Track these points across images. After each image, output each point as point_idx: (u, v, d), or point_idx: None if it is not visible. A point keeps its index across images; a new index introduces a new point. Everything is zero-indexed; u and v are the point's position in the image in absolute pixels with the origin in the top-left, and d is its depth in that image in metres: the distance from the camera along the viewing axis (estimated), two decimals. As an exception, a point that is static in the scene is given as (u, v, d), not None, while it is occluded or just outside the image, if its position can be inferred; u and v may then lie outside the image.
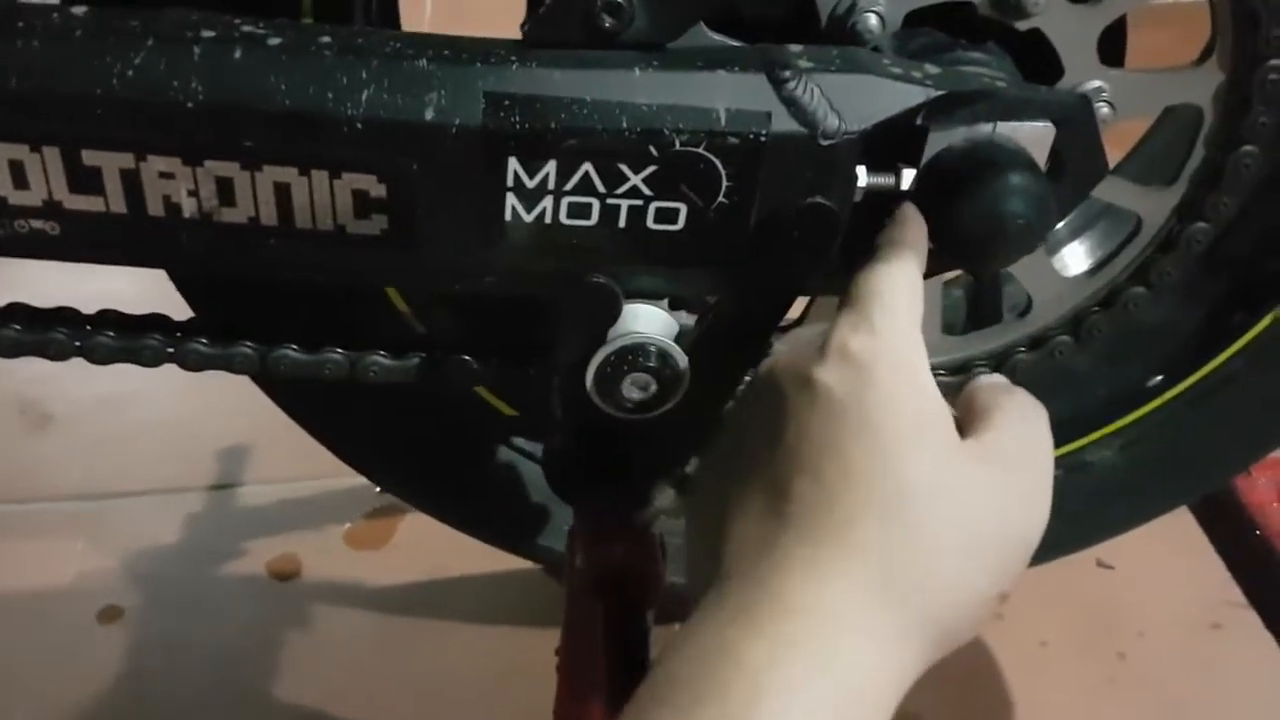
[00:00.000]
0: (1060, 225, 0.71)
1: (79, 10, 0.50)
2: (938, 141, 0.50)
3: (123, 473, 1.27)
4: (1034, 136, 0.51)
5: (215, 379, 0.62)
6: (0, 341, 0.57)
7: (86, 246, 0.52)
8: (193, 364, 0.59)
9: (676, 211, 0.51)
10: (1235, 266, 0.72)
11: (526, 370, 0.60)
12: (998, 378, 0.54)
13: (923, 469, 0.45)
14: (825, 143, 0.49)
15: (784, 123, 0.49)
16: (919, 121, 0.50)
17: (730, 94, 0.49)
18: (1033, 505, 0.47)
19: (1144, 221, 0.69)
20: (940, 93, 0.50)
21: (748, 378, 0.53)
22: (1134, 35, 0.63)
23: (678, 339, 0.55)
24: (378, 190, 0.50)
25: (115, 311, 0.60)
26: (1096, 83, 0.60)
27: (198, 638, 1.10)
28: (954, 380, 0.67)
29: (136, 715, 1.05)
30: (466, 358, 0.60)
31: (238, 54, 0.49)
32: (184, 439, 1.30)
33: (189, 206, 0.50)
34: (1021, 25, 0.58)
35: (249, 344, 0.59)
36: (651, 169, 0.50)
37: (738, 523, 0.47)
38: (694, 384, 0.55)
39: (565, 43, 0.50)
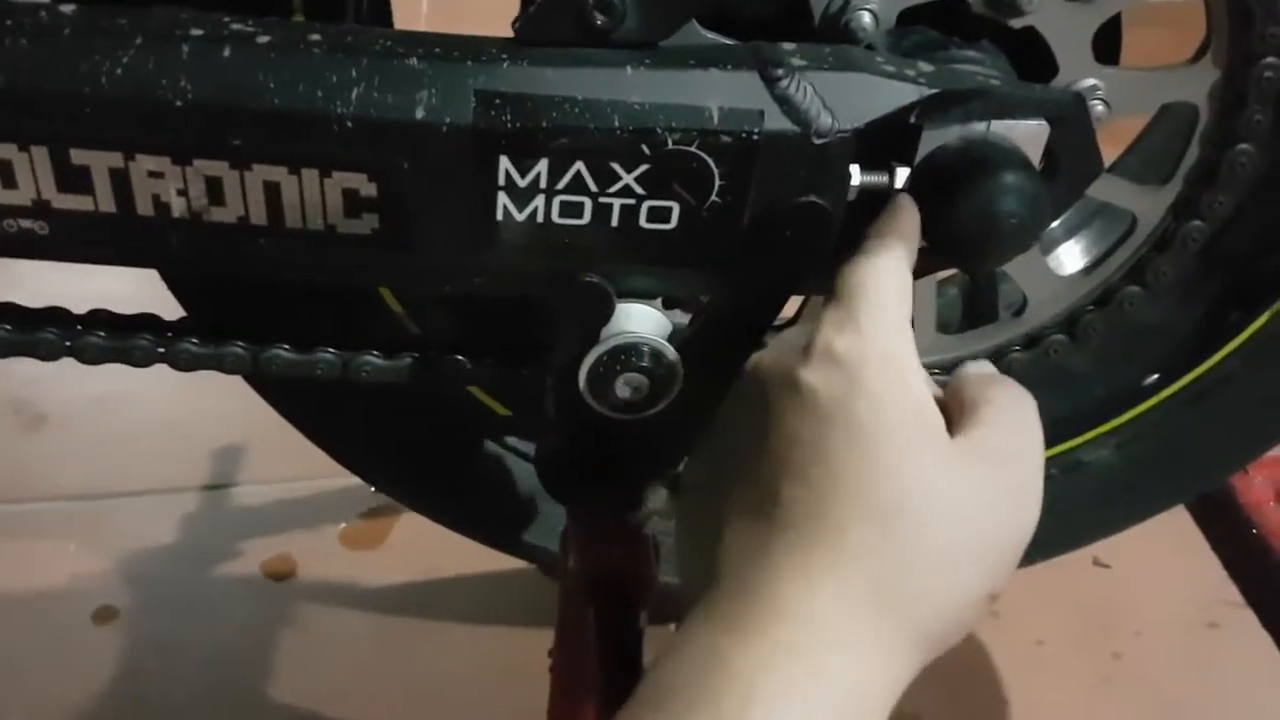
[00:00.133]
0: (1055, 224, 0.71)
1: (67, 8, 0.49)
2: (932, 140, 0.50)
3: (117, 473, 1.27)
4: (1028, 135, 0.51)
5: (210, 379, 0.62)
6: (-10, 342, 0.57)
7: (76, 246, 0.52)
8: (184, 364, 0.59)
9: (669, 210, 0.51)
10: (1231, 265, 0.72)
11: (519, 370, 0.60)
12: (985, 366, 0.54)
13: (912, 475, 0.44)
14: (818, 141, 0.49)
15: (777, 121, 0.49)
16: (913, 120, 0.49)
17: (723, 92, 0.49)
18: (1023, 503, 0.47)
19: (1139, 220, 0.69)
20: (934, 91, 0.49)
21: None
22: (1129, 33, 0.62)
23: (671, 338, 0.55)
24: (368, 189, 0.50)
25: (106, 311, 0.59)
26: (1091, 81, 0.59)
27: (193, 638, 1.11)
28: (948, 380, 0.67)
29: (132, 716, 1.05)
30: (459, 357, 0.60)
31: (227, 52, 0.48)
32: (179, 439, 1.30)
33: (178, 206, 0.50)
34: (1016, 23, 0.57)
35: (240, 344, 0.59)
36: (644, 168, 0.49)
37: (728, 526, 0.47)
38: (687, 384, 0.55)
39: (557, 41, 0.50)
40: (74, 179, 0.49)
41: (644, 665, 0.65)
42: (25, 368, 0.61)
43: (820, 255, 0.51)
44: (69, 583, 1.15)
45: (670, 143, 0.49)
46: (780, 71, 0.49)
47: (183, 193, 0.50)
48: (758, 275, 0.53)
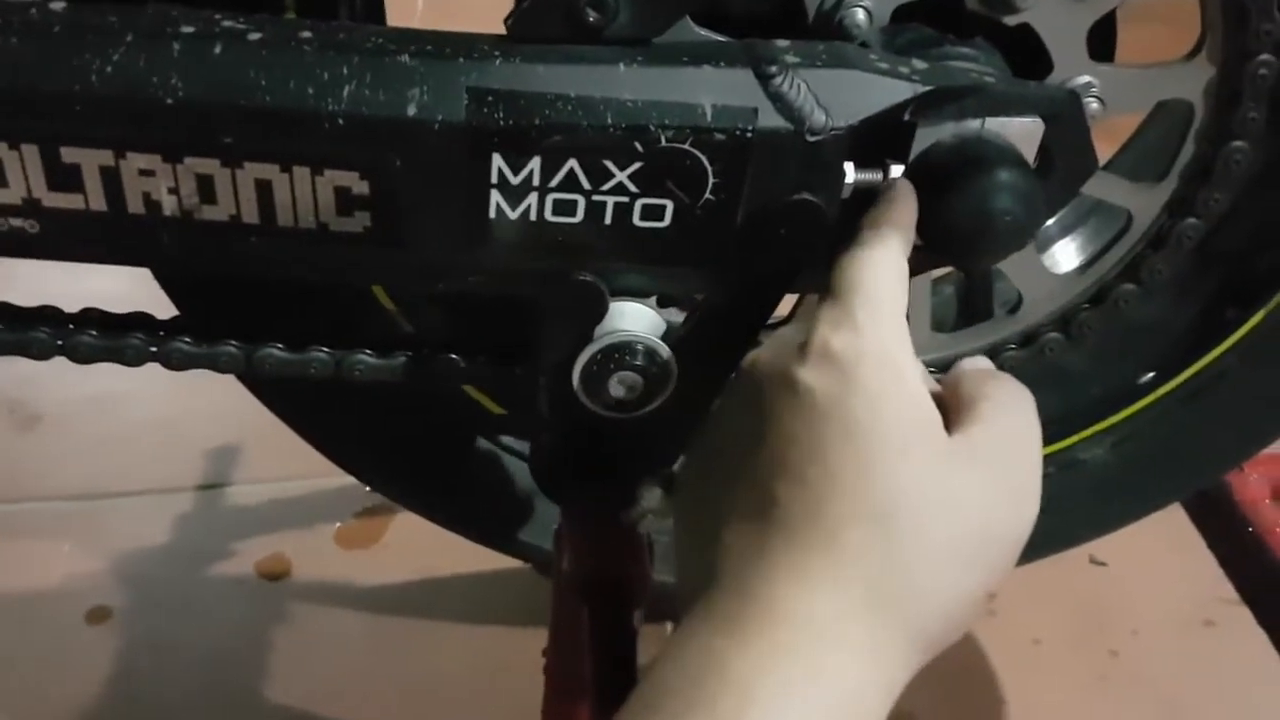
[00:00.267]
0: (1050, 222, 0.71)
1: (57, 6, 0.49)
2: (926, 137, 0.50)
3: (112, 473, 1.26)
4: (1023, 132, 0.50)
5: (204, 378, 0.62)
6: (-18, 341, 0.57)
7: (66, 245, 0.52)
8: (176, 363, 0.58)
9: (663, 208, 0.51)
10: (1226, 262, 0.72)
11: (513, 368, 0.60)
12: (983, 362, 0.54)
13: (909, 473, 0.44)
14: (812, 139, 0.49)
15: (770, 118, 0.49)
16: (907, 117, 0.49)
17: (716, 89, 0.49)
18: (1021, 501, 0.47)
19: (1134, 218, 0.69)
20: (928, 88, 0.49)
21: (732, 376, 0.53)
22: (1124, 30, 0.62)
23: (665, 337, 0.54)
24: (360, 187, 0.50)
25: (98, 310, 0.59)
26: (1086, 78, 0.59)
27: (187, 638, 1.10)
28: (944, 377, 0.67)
29: (126, 716, 1.04)
30: (453, 356, 0.60)
31: (218, 49, 0.48)
32: (173, 439, 1.30)
33: (169, 204, 0.50)
34: (1010, 20, 0.57)
35: (233, 343, 0.59)
36: (637, 165, 0.49)
37: (724, 526, 0.46)
38: (682, 382, 0.55)
39: (549, 38, 0.49)
40: (65, 177, 0.49)
41: (638, 665, 0.65)
42: (20, 367, 0.61)
43: (815, 253, 0.51)
44: (63, 582, 1.15)
45: (663, 140, 0.49)
46: (774, 69, 0.49)
47: (174, 191, 0.49)
48: (752, 273, 0.53)
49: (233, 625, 1.12)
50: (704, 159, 0.49)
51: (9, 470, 1.27)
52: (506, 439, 0.79)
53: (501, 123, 0.48)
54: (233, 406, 0.81)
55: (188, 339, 0.58)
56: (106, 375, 0.61)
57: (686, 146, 0.49)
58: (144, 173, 0.49)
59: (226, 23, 0.49)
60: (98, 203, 0.50)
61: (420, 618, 1.13)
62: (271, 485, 1.25)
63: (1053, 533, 0.77)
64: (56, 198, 0.50)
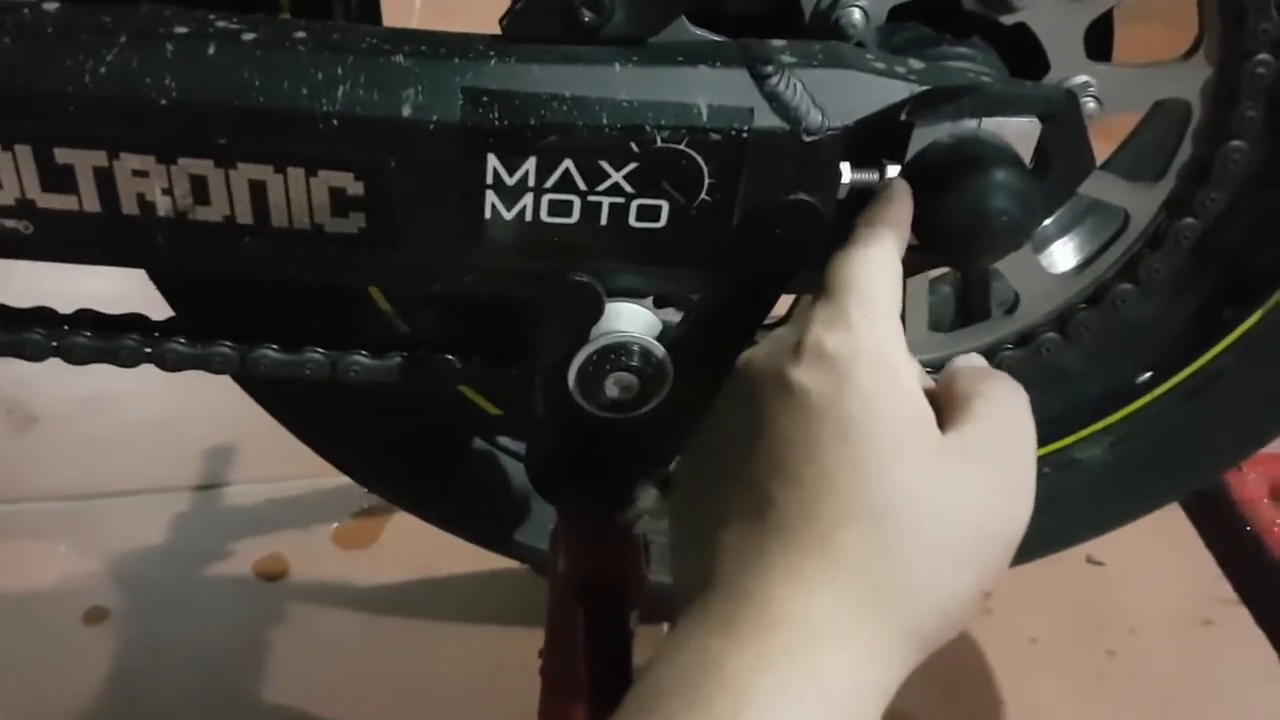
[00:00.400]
0: (1047, 221, 0.71)
1: (51, 6, 0.49)
2: (922, 137, 0.50)
3: (108, 473, 1.26)
4: (1020, 132, 0.50)
5: (201, 379, 0.62)
6: (-24, 342, 0.57)
7: (60, 246, 0.52)
8: (171, 364, 0.58)
9: (658, 209, 0.50)
10: (1223, 262, 0.72)
11: (509, 369, 0.60)
12: (976, 359, 0.54)
13: (904, 473, 0.44)
14: (808, 139, 0.49)
15: (766, 118, 0.49)
16: (903, 117, 0.49)
17: (712, 89, 0.49)
18: (1016, 500, 0.47)
19: (1132, 217, 0.69)
20: (925, 88, 0.49)
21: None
22: (1121, 29, 0.62)
23: (660, 337, 0.54)
24: (355, 188, 0.50)
25: (93, 311, 0.59)
26: (1083, 78, 0.59)
27: (184, 639, 1.10)
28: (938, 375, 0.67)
29: (123, 716, 1.04)
30: (449, 356, 0.60)
31: (211, 50, 0.48)
32: (170, 439, 1.30)
33: (163, 205, 0.50)
34: (1007, 19, 0.57)
35: (228, 343, 0.59)
36: (633, 166, 0.49)
37: (720, 526, 0.46)
38: (677, 383, 0.55)
39: (544, 38, 0.49)
40: (58, 178, 0.49)
41: (634, 666, 0.65)
42: (15, 368, 0.61)
43: (811, 253, 0.51)
44: (59, 583, 1.14)
45: (659, 140, 0.48)
46: (770, 68, 0.49)
47: (168, 192, 0.49)
48: (748, 274, 0.53)
49: (230, 625, 1.12)
50: (700, 159, 0.49)
51: (5, 471, 1.27)
52: (502, 439, 0.79)
53: (496, 123, 0.48)
54: (229, 407, 0.81)
55: (183, 340, 0.58)
56: (102, 376, 0.61)
57: (682, 147, 0.49)
58: (138, 173, 0.49)
59: (220, 23, 0.49)
60: (92, 204, 0.50)
61: (417, 618, 1.13)
62: (268, 485, 1.25)
63: (1050, 532, 0.78)
64: (50, 199, 0.50)
